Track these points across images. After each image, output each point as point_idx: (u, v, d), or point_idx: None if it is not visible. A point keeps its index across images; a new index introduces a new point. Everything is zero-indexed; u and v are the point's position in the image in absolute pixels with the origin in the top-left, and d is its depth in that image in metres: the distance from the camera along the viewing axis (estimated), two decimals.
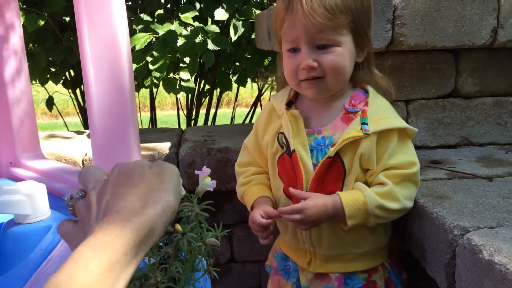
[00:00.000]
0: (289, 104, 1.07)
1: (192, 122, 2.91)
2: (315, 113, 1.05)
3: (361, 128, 0.96)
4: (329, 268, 1.05)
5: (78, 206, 0.59)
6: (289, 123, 1.03)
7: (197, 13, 2.31)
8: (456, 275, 0.90)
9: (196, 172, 0.93)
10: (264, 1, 2.60)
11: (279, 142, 1.06)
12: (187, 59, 2.25)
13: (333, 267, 1.05)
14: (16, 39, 1.43)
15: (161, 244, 0.83)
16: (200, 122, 2.96)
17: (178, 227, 0.73)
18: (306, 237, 1.04)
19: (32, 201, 1.02)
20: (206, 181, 0.91)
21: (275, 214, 0.99)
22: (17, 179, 1.37)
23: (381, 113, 0.99)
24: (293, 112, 1.04)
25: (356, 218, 0.95)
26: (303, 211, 0.94)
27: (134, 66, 2.24)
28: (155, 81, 2.32)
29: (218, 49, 2.20)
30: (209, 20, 2.51)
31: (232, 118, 3.23)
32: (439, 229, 0.95)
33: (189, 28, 2.24)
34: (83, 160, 1.70)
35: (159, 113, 5.75)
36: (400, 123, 0.99)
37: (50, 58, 2.46)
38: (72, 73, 2.69)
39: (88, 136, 1.98)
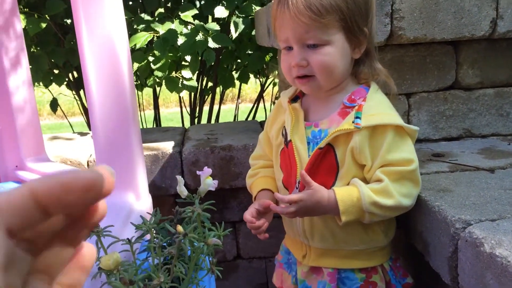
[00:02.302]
0: (296, 99, 1.10)
1: (196, 120, 2.92)
2: (315, 107, 1.08)
3: (353, 122, 0.97)
4: (322, 262, 1.06)
5: None
6: (289, 115, 1.07)
7: (197, 12, 2.32)
8: (459, 268, 0.90)
9: (198, 172, 0.94)
10: None
11: (282, 134, 1.10)
12: (188, 58, 2.25)
13: (327, 262, 1.06)
14: (19, 44, 1.45)
15: (164, 244, 0.84)
16: (204, 119, 2.98)
17: (180, 228, 0.74)
18: (300, 229, 1.06)
19: None
20: (208, 181, 0.92)
21: (267, 204, 1.02)
22: (23, 182, 1.38)
23: (377, 108, 0.99)
24: (294, 106, 1.08)
25: (350, 214, 0.95)
26: (298, 203, 0.96)
27: (136, 65, 2.25)
28: (158, 80, 2.33)
29: (219, 46, 2.21)
30: (209, 18, 2.51)
31: (236, 116, 3.24)
32: (441, 223, 0.96)
33: (189, 27, 2.24)
34: (88, 162, 1.71)
35: (164, 111, 5.77)
36: (395, 120, 0.98)
37: (52, 60, 2.47)
38: (76, 75, 2.70)
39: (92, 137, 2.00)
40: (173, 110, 6.69)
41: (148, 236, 0.87)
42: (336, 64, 0.97)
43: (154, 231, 0.84)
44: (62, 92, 3.01)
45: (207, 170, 0.91)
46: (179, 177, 0.91)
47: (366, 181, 1.00)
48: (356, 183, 0.97)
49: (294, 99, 1.10)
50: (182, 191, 0.91)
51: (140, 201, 1.11)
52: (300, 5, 0.92)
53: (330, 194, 0.96)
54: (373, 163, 0.97)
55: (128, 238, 0.82)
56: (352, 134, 0.97)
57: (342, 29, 0.96)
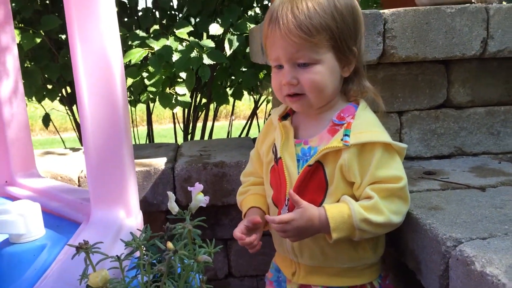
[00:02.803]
0: (286, 116, 1.11)
1: (189, 136, 2.92)
2: (305, 124, 1.08)
3: (342, 139, 0.97)
4: (312, 280, 1.05)
5: None
6: (279, 133, 1.08)
7: (192, 29, 2.33)
8: (450, 286, 0.90)
9: (189, 188, 0.94)
10: (258, 15, 2.63)
11: (273, 151, 1.10)
12: (183, 74, 2.27)
13: (316, 279, 1.05)
14: (12, 60, 1.44)
15: (154, 261, 0.84)
16: (197, 135, 2.97)
17: (170, 245, 0.73)
18: (289, 246, 1.06)
19: (27, 221, 1.02)
20: (199, 197, 0.92)
21: (257, 221, 1.03)
22: (12, 198, 1.37)
23: (365, 126, 0.99)
24: (284, 123, 1.08)
25: (341, 231, 0.95)
26: (290, 223, 0.95)
27: (130, 81, 2.26)
28: (151, 96, 2.33)
29: (213, 63, 2.22)
30: (204, 35, 2.53)
31: (229, 132, 3.24)
32: (432, 241, 0.95)
33: (184, 43, 2.26)
34: (79, 178, 1.70)
35: (157, 127, 5.77)
36: (383, 137, 0.98)
37: (46, 76, 2.47)
38: (69, 90, 2.70)
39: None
40: (166, 126, 6.69)
41: (138, 253, 0.86)
42: (326, 82, 0.98)
43: (144, 248, 0.84)
44: (55, 108, 3.00)
45: (199, 186, 0.91)
46: (170, 193, 0.91)
47: (355, 198, 0.99)
48: (346, 200, 0.97)
49: (284, 116, 1.11)
50: (173, 207, 0.90)
51: (130, 217, 1.10)
52: (291, 24, 0.93)
53: (321, 212, 0.95)
54: (362, 180, 0.97)
55: (117, 255, 0.81)
56: (341, 152, 0.97)
57: (332, 48, 0.97)
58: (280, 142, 1.06)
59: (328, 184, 0.99)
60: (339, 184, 0.99)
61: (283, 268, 1.13)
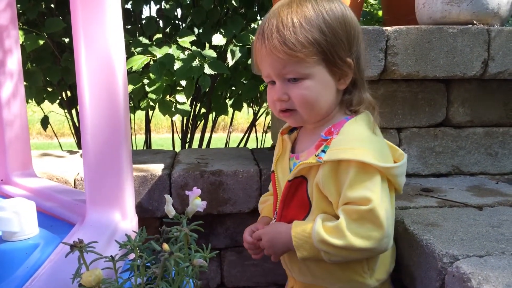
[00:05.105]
0: (294, 129, 1.11)
1: (187, 145, 2.92)
2: (302, 138, 1.08)
3: (316, 155, 0.94)
4: None
5: None
6: (278, 146, 1.09)
7: (194, 38, 2.35)
8: None
9: (187, 192, 0.93)
10: None
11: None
12: (183, 82, 2.27)
13: None
14: (15, 61, 1.45)
15: (148, 264, 0.83)
16: (195, 145, 2.97)
17: (166, 246, 0.73)
18: (285, 259, 1.06)
19: (21, 219, 1.01)
20: (196, 202, 0.91)
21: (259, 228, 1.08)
22: (7, 196, 1.36)
23: (344, 142, 0.93)
24: (284, 137, 1.09)
25: (304, 250, 0.93)
26: (262, 237, 1.01)
27: (131, 87, 2.26)
28: (151, 103, 2.33)
29: (214, 73, 2.23)
30: (207, 45, 2.55)
31: (227, 143, 3.24)
32: (429, 257, 0.95)
33: (186, 52, 2.27)
34: (75, 180, 1.69)
35: (154, 136, 5.75)
36: (358, 155, 0.90)
37: (47, 78, 2.47)
38: (69, 94, 2.70)
39: (81, 156, 1.98)
40: (164, 135, 6.68)
41: (132, 256, 0.85)
42: (317, 97, 0.95)
43: (139, 250, 0.83)
44: (54, 111, 3.00)
45: (196, 191, 0.91)
46: (167, 196, 0.90)
47: (337, 217, 0.95)
48: (317, 218, 0.94)
49: (292, 129, 1.10)
50: (170, 210, 0.90)
51: (126, 220, 1.09)
52: (276, 41, 0.91)
53: (288, 228, 0.96)
54: (338, 199, 0.93)
55: (111, 256, 0.80)
56: (317, 168, 0.94)
57: (322, 61, 0.93)
58: (276, 156, 1.07)
59: (311, 200, 0.98)
60: (319, 201, 0.96)
61: (288, 281, 1.15)
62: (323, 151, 0.94)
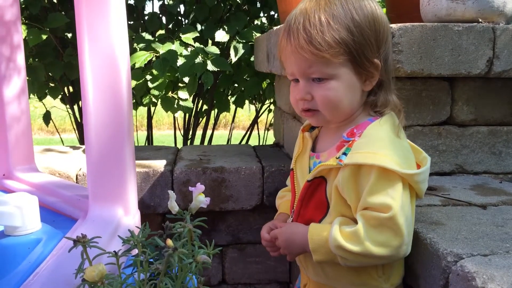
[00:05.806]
0: (314, 127, 1.09)
1: (189, 142, 2.92)
2: (323, 137, 1.06)
3: (337, 158, 0.92)
4: None
5: None
6: (298, 144, 1.07)
7: (198, 34, 2.34)
8: None
9: (190, 188, 0.93)
10: (265, 25, 2.65)
11: None
12: (186, 79, 2.27)
13: None
14: (18, 56, 1.44)
15: (151, 260, 0.82)
16: (197, 142, 2.97)
17: (170, 242, 0.72)
18: (299, 258, 1.05)
19: (23, 213, 1.01)
20: (200, 198, 0.91)
21: (278, 226, 1.07)
22: (9, 191, 1.35)
23: (366, 146, 0.91)
24: (305, 135, 1.07)
25: (320, 254, 0.92)
26: (278, 236, 1.00)
27: (134, 83, 2.26)
28: (154, 99, 2.33)
29: (217, 70, 2.22)
30: (210, 41, 2.54)
31: (229, 140, 3.24)
32: (433, 256, 0.95)
33: (189, 49, 2.26)
34: (77, 175, 1.69)
35: (156, 132, 5.75)
36: (380, 160, 0.87)
37: (49, 73, 2.47)
38: (71, 89, 2.70)
39: (84, 151, 1.97)
40: (165, 132, 6.69)
41: (135, 251, 0.85)
42: (341, 98, 0.93)
43: (142, 246, 0.82)
44: (56, 106, 2.99)
45: (200, 187, 0.90)
46: (171, 192, 0.90)
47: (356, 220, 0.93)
48: (334, 222, 0.92)
49: (313, 126, 1.08)
50: (173, 206, 0.89)
51: (128, 216, 1.09)
52: (302, 39, 0.89)
53: (305, 230, 0.95)
54: (357, 203, 0.92)
55: (114, 251, 0.80)
56: (337, 171, 0.93)
57: (349, 62, 0.91)
58: (296, 154, 1.05)
59: (329, 202, 0.96)
60: (337, 204, 0.95)
61: (301, 278, 1.13)
62: (344, 153, 0.92)
